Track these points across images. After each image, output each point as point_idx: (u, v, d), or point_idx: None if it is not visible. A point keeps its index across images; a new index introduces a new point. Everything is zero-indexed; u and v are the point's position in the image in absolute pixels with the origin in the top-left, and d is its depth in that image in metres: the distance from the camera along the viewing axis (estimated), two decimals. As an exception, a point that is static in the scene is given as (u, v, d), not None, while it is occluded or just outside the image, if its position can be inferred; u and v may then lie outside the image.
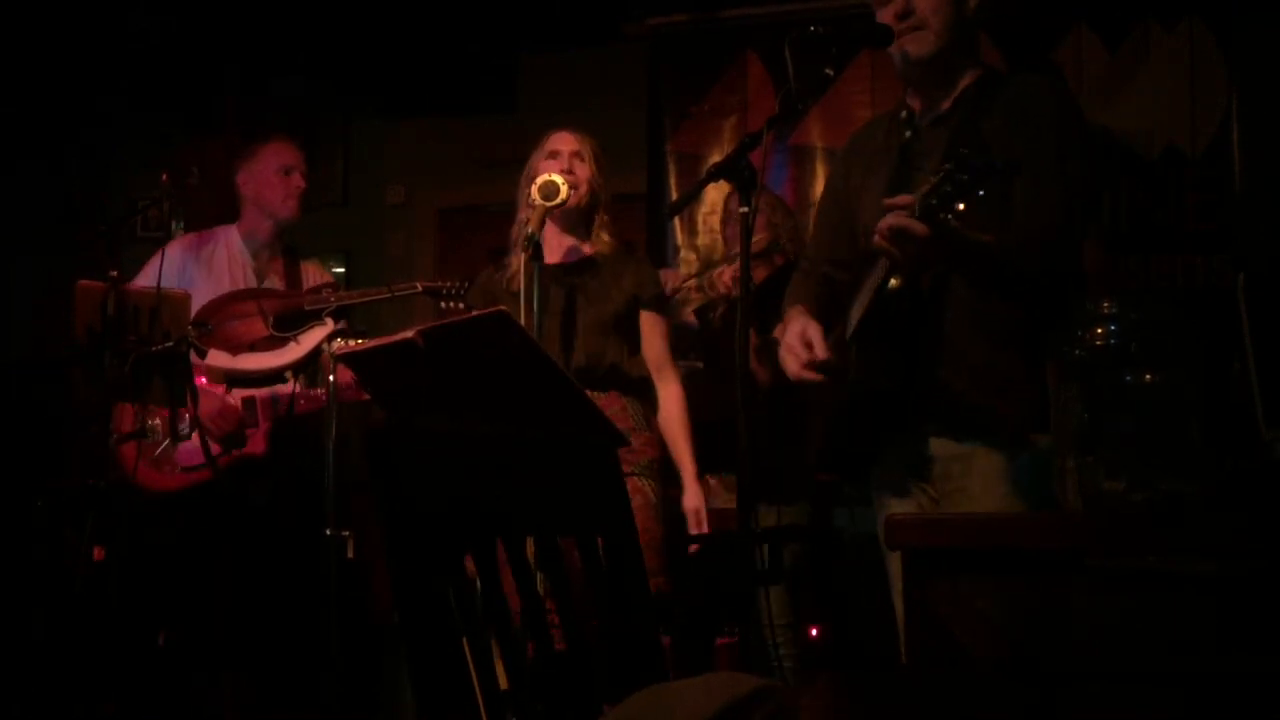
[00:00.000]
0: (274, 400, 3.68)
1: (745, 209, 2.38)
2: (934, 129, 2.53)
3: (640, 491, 3.17)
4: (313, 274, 4.00)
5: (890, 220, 2.18)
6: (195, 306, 3.56)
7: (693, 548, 3.31)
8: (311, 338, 3.54)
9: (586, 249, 3.36)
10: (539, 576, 2.09)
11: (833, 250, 2.73)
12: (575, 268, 3.33)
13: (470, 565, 1.78)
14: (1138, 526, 1.82)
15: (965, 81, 2.53)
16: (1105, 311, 4.04)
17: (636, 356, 3.31)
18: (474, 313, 3.31)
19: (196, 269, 3.92)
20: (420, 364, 2.38)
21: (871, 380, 2.45)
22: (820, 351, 2.45)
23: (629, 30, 5.40)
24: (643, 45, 5.40)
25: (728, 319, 4.00)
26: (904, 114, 2.61)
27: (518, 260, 3.28)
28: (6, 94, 5.59)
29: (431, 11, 5.38)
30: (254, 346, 3.56)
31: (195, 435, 3.50)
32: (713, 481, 4.10)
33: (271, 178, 3.95)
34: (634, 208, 5.31)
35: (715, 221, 4.76)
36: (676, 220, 5.18)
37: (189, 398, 3.42)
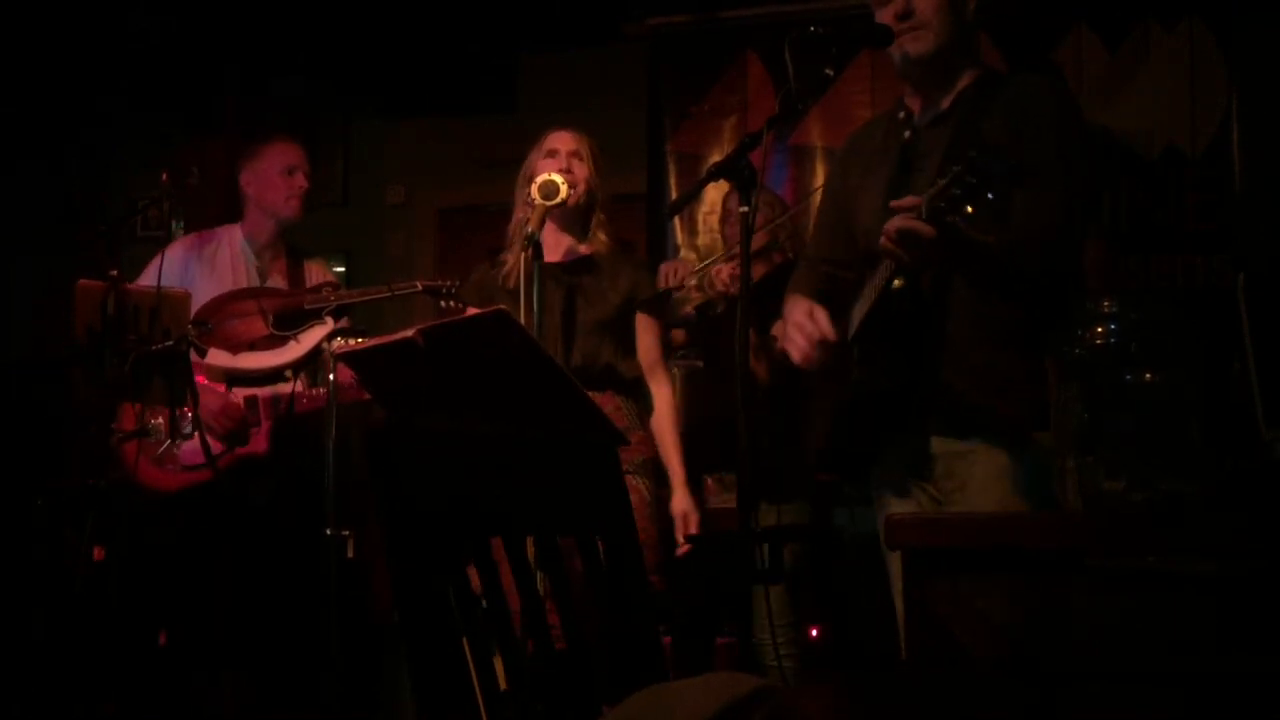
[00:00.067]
0: (275, 399, 3.69)
1: (745, 209, 2.38)
2: (933, 129, 2.53)
3: (635, 490, 3.17)
4: (316, 273, 4.01)
5: (897, 222, 2.18)
6: (198, 306, 3.56)
7: (681, 550, 3.31)
8: (311, 337, 3.54)
9: (584, 249, 3.37)
10: (539, 576, 2.09)
11: (831, 250, 2.74)
12: (573, 267, 3.34)
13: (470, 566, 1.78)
14: (1138, 526, 1.82)
15: (964, 81, 2.53)
16: (1105, 311, 4.05)
17: (631, 357, 3.32)
18: (470, 311, 3.33)
19: (199, 269, 3.92)
20: (420, 363, 2.38)
21: (874, 381, 2.45)
22: (827, 329, 2.45)
23: (629, 30, 5.40)
24: (643, 45, 5.40)
25: (726, 317, 4.00)
26: (902, 114, 2.61)
27: (514, 258, 3.29)
28: (6, 94, 5.59)
29: (431, 11, 5.38)
30: (254, 345, 3.56)
31: (196, 435, 3.50)
32: (709, 481, 4.11)
33: (274, 178, 3.96)
34: (634, 208, 5.31)
35: (715, 221, 4.76)
36: (676, 220, 5.18)
37: (189, 397, 3.42)
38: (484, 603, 1.78)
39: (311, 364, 3.59)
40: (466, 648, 1.73)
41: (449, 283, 3.49)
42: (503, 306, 2.58)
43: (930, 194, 2.13)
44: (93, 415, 3.57)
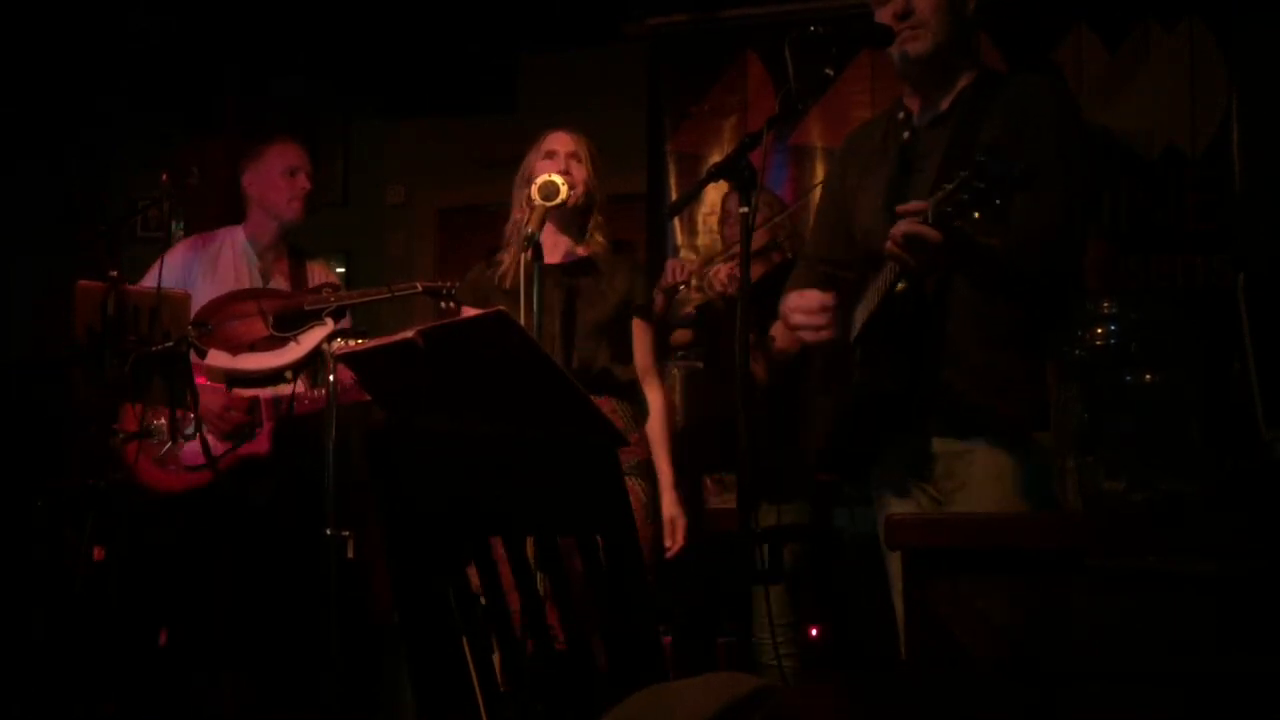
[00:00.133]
0: (276, 400, 3.69)
1: (745, 209, 2.38)
2: (932, 129, 2.53)
3: (632, 492, 3.18)
4: (318, 274, 4.01)
5: (904, 227, 2.17)
6: (200, 308, 3.57)
7: (669, 554, 3.33)
8: (311, 337, 3.54)
9: (582, 250, 3.38)
10: (539, 576, 2.09)
11: (830, 250, 2.74)
12: (572, 268, 3.34)
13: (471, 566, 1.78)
14: (1138, 526, 1.82)
15: (964, 82, 2.53)
16: (1105, 311, 4.05)
17: (627, 360, 3.34)
18: (465, 310, 3.33)
19: (200, 270, 3.93)
20: (420, 364, 2.38)
21: (876, 382, 2.45)
22: (829, 299, 2.45)
23: (629, 30, 5.40)
24: (643, 45, 5.39)
25: (726, 317, 4.00)
26: (901, 115, 2.61)
27: (511, 258, 3.30)
28: (6, 94, 5.58)
29: (431, 11, 5.38)
30: (254, 346, 3.56)
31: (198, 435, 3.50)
32: (708, 481, 4.11)
33: (277, 179, 3.96)
34: (634, 208, 5.31)
35: (715, 222, 4.77)
36: (676, 220, 5.18)
37: (189, 398, 3.42)
38: (483, 601, 1.79)
39: (311, 365, 3.59)
40: (466, 648, 1.73)
41: (449, 284, 3.49)
42: (502, 307, 2.58)
43: (937, 199, 2.13)
44: (93, 415, 3.57)
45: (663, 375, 4.17)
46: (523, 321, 3.00)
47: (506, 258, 3.35)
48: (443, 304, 3.47)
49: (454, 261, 5.78)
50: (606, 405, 3.21)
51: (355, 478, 3.33)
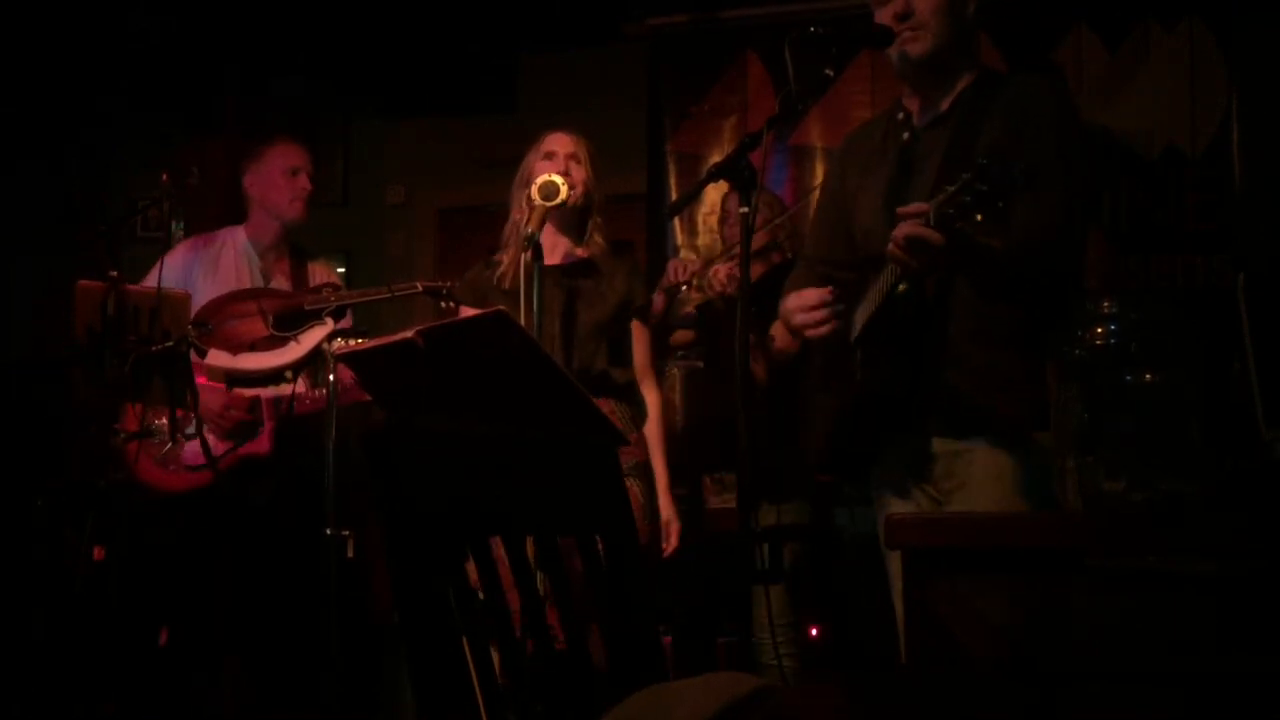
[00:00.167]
0: (277, 400, 3.69)
1: (745, 209, 2.38)
2: (932, 130, 2.53)
3: (630, 493, 3.19)
4: (319, 274, 4.01)
5: (906, 229, 2.17)
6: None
7: (663, 557, 3.34)
8: (311, 337, 3.54)
9: (581, 251, 3.38)
10: (539, 576, 2.09)
11: (830, 250, 2.73)
12: (571, 270, 3.35)
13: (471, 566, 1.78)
14: (1138, 526, 1.82)
15: (963, 83, 2.53)
16: (1105, 311, 4.05)
17: (625, 363, 3.35)
18: (463, 310, 3.34)
19: (202, 270, 3.93)
20: (420, 364, 2.37)
21: (877, 384, 2.45)
22: (821, 293, 2.46)
23: (629, 30, 5.40)
24: (643, 45, 5.39)
25: (726, 317, 4.00)
26: (901, 115, 2.61)
27: (510, 259, 3.30)
28: (6, 94, 5.58)
29: (431, 11, 5.38)
30: (254, 346, 3.56)
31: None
32: (707, 481, 4.11)
33: (278, 179, 3.96)
34: (634, 208, 5.31)
35: (715, 222, 4.77)
36: (676, 220, 5.18)
37: (189, 398, 3.42)
38: (482, 599, 1.79)
39: (312, 364, 3.59)
40: (466, 648, 1.73)
41: (448, 284, 3.49)
42: (502, 307, 2.58)
43: (939, 201, 2.13)
44: (93, 415, 3.57)
45: (662, 375, 4.18)
46: (522, 322, 3.00)
47: (505, 258, 3.35)
48: (442, 304, 3.47)
49: (454, 261, 5.78)
50: (605, 407, 3.21)
51: (355, 478, 3.32)
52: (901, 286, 2.32)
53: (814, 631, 4.09)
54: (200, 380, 3.56)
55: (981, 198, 2.05)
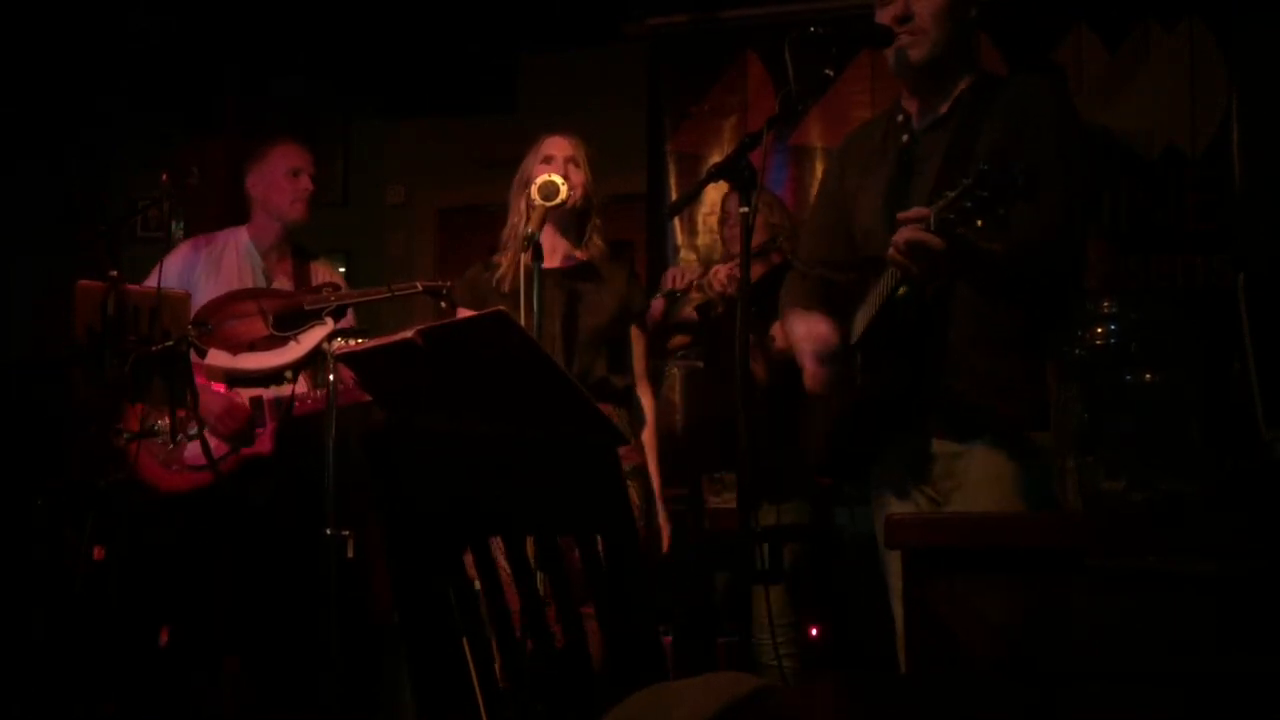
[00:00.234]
0: (278, 401, 3.70)
1: (745, 209, 2.38)
2: (932, 132, 2.53)
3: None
4: (322, 274, 4.02)
5: (906, 234, 2.17)
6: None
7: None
8: (311, 337, 3.54)
9: (580, 254, 3.39)
10: (539, 576, 2.09)
11: (829, 251, 2.73)
12: (572, 273, 3.36)
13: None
14: (1138, 526, 1.82)
15: (962, 85, 2.53)
16: (1105, 311, 4.05)
17: (623, 368, 3.36)
18: (461, 311, 3.34)
19: (204, 271, 3.94)
20: (420, 364, 2.38)
21: (877, 387, 2.45)
22: (830, 338, 2.47)
23: (629, 30, 5.40)
24: (643, 45, 5.39)
25: (726, 318, 4.00)
26: (901, 117, 2.60)
27: (509, 261, 3.30)
28: (6, 94, 5.58)
29: (431, 11, 5.38)
30: (254, 346, 3.56)
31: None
32: (705, 481, 4.11)
33: (280, 180, 3.97)
34: (634, 208, 5.31)
35: (715, 222, 4.77)
36: (676, 220, 5.18)
37: (189, 398, 3.42)
38: (483, 599, 1.78)
39: (311, 364, 3.59)
40: (466, 648, 1.73)
41: (448, 284, 3.49)
42: (502, 307, 2.58)
43: (939, 206, 2.12)
44: (93, 415, 3.57)
45: (662, 375, 4.18)
46: (522, 323, 3.00)
47: (504, 261, 3.35)
48: (442, 304, 3.47)
49: (454, 261, 5.77)
50: (604, 412, 3.23)
51: (355, 478, 3.32)
52: (901, 290, 2.32)
53: (814, 631, 4.09)
54: (204, 383, 3.56)
55: (982, 203, 2.05)
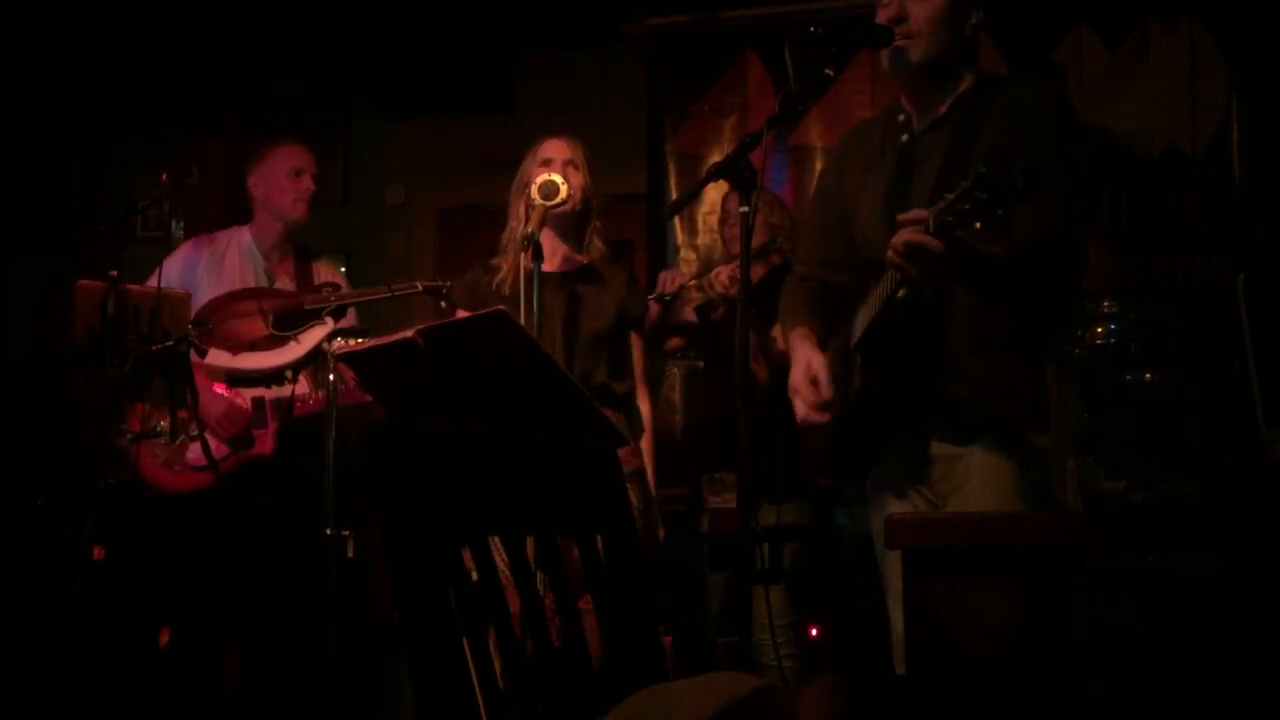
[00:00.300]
0: (279, 401, 3.70)
1: (745, 209, 2.38)
2: (931, 133, 2.53)
3: (626, 497, 3.23)
4: (324, 274, 4.03)
5: (905, 236, 2.17)
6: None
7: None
8: (312, 337, 3.54)
9: (581, 257, 3.39)
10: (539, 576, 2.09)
11: (827, 251, 2.73)
12: (572, 276, 3.36)
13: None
14: (1138, 526, 1.82)
15: (962, 86, 2.52)
16: (1105, 311, 4.05)
17: (622, 373, 3.36)
18: (459, 313, 3.35)
19: (206, 271, 3.94)
20: (420, 364, 2.37)
21: (877, 390, 2.45)
22: (826, 391, 2.47)
23: (629, 30, 5.40)
24: (643, 45, 5.39)
25: (726, 318, 4.00)
26: (902, 117, 2.60)
27: (509, 264, 3.31)
28: (6, 94, 5.58)
29: (431, 11, 5.38)
30: (254, 345, 3.56)
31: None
32: (704, 481, 4.11)
33: (282, 180, 3.98)
34: (634, 208, 5.31)
35: (715, 221, 4.77)
36: (676, 220, 5.18)
37: (189, 398, 3.42)
38: (483, 602, 1.78)
39: (312, 364, 3.59)
40: (466, 648, 1.73)
41: (448, 283, 3.50)
42: (502, 307, 2.58)
43: (938, 208, 2.12)
44: (93, 415, 3.57)
45: (661, 376, 4.18)
46: (522, 323, 3.00)
47: (504, 264, 3.35)
48: (442, 304, 3.48)
49: (454, 261, 5.77)
50: (601, 416, 3.24)
51: (355, 478, 3.32)
52: (901, 292, 2.31)
53: (814, 631, 4.09)
54: (202, 383, 3.56)
55: (981, 205, 2.05)
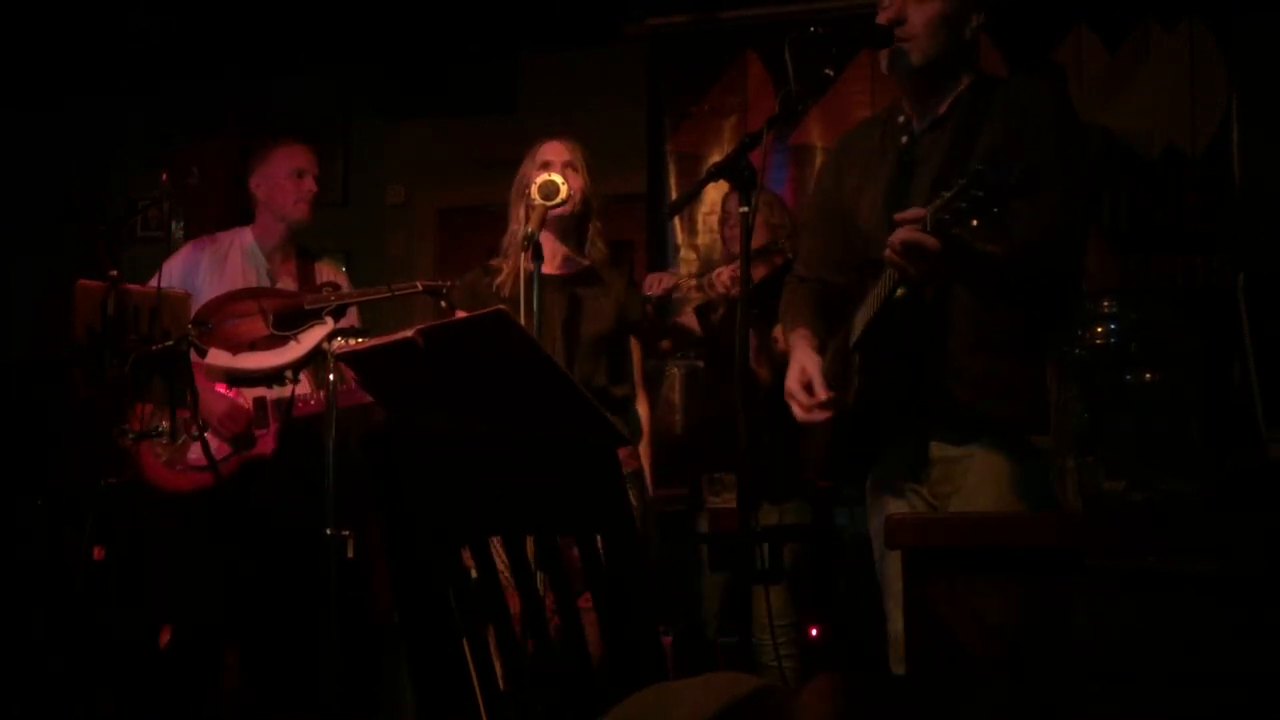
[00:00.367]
0: (280, 402, 3.70)
1: (745, 209, 2.38)
2: (931, 133, 2.53)
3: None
4: (325, 275, 4.03)
5: (903, 235, 2.17)
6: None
7: None
8: (312, 337, 3.53)
9: (582, 259, 3.40)
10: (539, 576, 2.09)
11: (827, 252, 2.73)
12: (573, 278, 3.36)
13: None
14: (1138, 526, 1.82)
15: (961, 87, 2.52)
16: (1105, 311, 4.05)
17: (621, 377, 3.37)
18: (459, 314, 3.35)
19: (207, 271, 3.94)
20: (420, 364, 2.38)
21: (876, 390, 2.45)
22: (821, 393, 2.47)
23: (629, 30, 5.40)
24: (643, 45, 5.39)
25: (727, 319, 4.00)
26: (902, 118, 2.60)
27: (510, 266, 3.31)
28: (6, 94, 5.58)
29: (431, 11, 5.38)
30: (254, 345, 3.56)
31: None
32: (703, 481, 4.11)
33: (283, 181, 3.98)
34: (634, 208, 5.31)
35: (715, 221, 4.77)
36: (676, 220, 5.18)
37: (189, 398, 3.42)
38: (483, 602, 1.78)
39: (312, 364, 3.59)
40: (466, 648, 1.73)
41: (448, 283, 3.50)
42: (502, 307, 2.58)
43: (935, 206, 2.12)
44: (93, 415, 3.57)
45: (661, 376, 4.18)
46: (522, 324, 3.00)
47: (505, 266, 3.35)
48: (442, 303, 3.47)
49: (454, 261, 5.77)
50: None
51: (355, 478, 3.32)
52: (899, 292, 2.31)
53: (814, 631, 4.09)
54: (203, 383, 3.56)
55: (978, 203, 2.05)
